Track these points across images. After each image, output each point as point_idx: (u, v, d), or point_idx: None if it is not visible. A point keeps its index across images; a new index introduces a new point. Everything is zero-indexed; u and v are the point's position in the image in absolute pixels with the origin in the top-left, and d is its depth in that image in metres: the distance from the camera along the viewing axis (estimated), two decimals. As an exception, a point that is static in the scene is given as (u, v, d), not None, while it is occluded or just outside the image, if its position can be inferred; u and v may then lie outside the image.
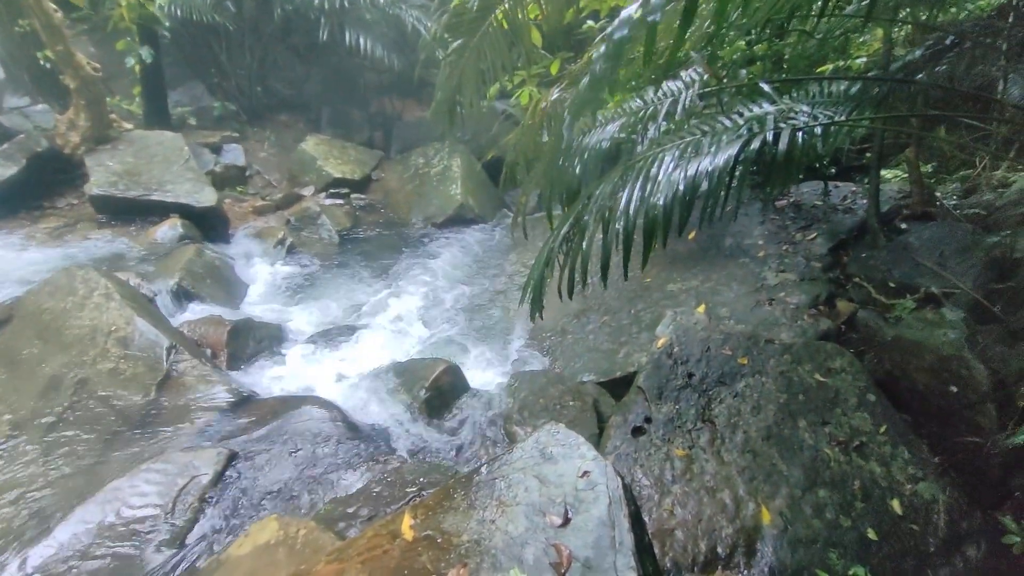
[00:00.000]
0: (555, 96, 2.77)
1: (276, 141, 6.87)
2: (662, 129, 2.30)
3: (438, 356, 3.52)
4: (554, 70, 4.26)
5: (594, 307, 4.00)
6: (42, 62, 5.00)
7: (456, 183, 6.07)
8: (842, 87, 2.36)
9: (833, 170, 4.18)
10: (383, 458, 2.72)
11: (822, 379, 2.52)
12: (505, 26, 2.70)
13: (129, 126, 5.11)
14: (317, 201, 5.80)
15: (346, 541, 1.52)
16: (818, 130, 1.89)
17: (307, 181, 6.19)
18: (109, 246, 4.35)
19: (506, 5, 2.34)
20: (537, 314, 2.24)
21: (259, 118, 7.15)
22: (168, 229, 4.54)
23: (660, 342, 2.92)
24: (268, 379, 3.51)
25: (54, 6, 4.18)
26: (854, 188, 4.02)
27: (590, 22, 3.98)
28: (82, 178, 4.66)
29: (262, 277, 4.77)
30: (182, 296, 4.01)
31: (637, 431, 2.51)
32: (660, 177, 1.67)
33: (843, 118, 2.03)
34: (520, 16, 2.44)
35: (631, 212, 1.68)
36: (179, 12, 5.59)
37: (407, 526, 1.35)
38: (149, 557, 2.22)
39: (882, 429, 2.32)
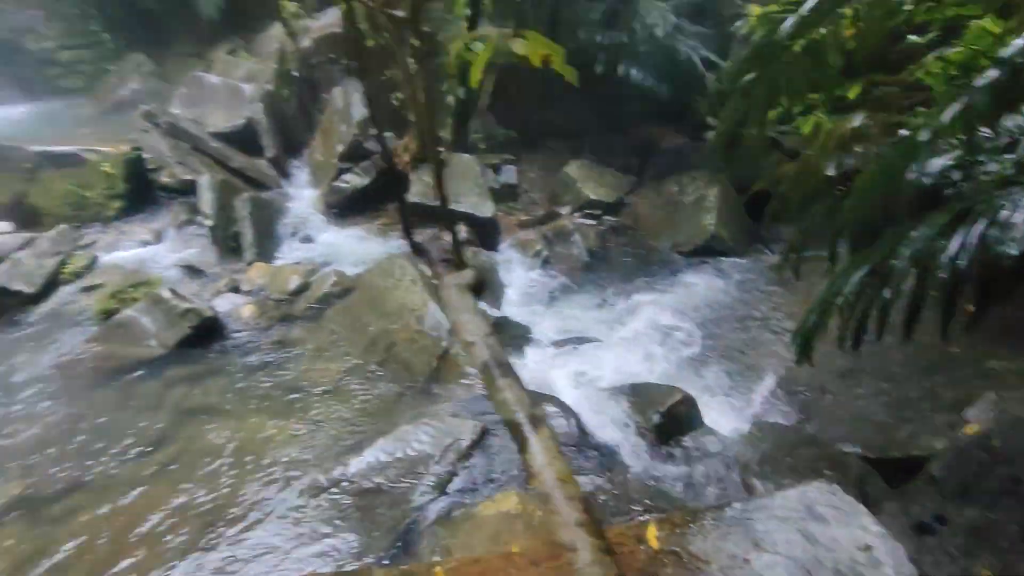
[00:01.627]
0: (858, 123, 2.49)
1: (544, 164, 7.69)
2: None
3: (674, 384, 3.47)
4: (852, 95, 3.78)
5: (868, 369, 3.41)
6: (394, 102, 6.66)
7: (710, 213, 5.86)
8: None
9: None
10: (610, 470, 2.83)
11: None
12: (802, 48, 2.54)
13: (441, 149, 6.42)
14: (572, 220, 6.30)
15: (587, 532, 1.65)
16: None
17: (566, 201, 6.77)
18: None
19: (823, 31, 2.21)
20: (804, 361, 2.05)
21: (533, 143, 8.12)
22: (456, 234, 5.53)
23: (970, 429, 2.34)
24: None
25: (411, 60, 5.56)
26: None
27: (913, 37, 3.41)
28: (406, 189, 6.02)
29: (519, 283, 5.41)
30: (459, 289, 4.84)
31: (922, 529, 2.06)
32: (1016, 222, 1.38)
33: None
34: (832, 38, 2.27)
35: (963, 261, 1.43)
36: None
37: (652, 535, 1.41)
38: (419, 495, 2.76)
39: None
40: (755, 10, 4.66)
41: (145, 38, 11.63)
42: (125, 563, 2.45)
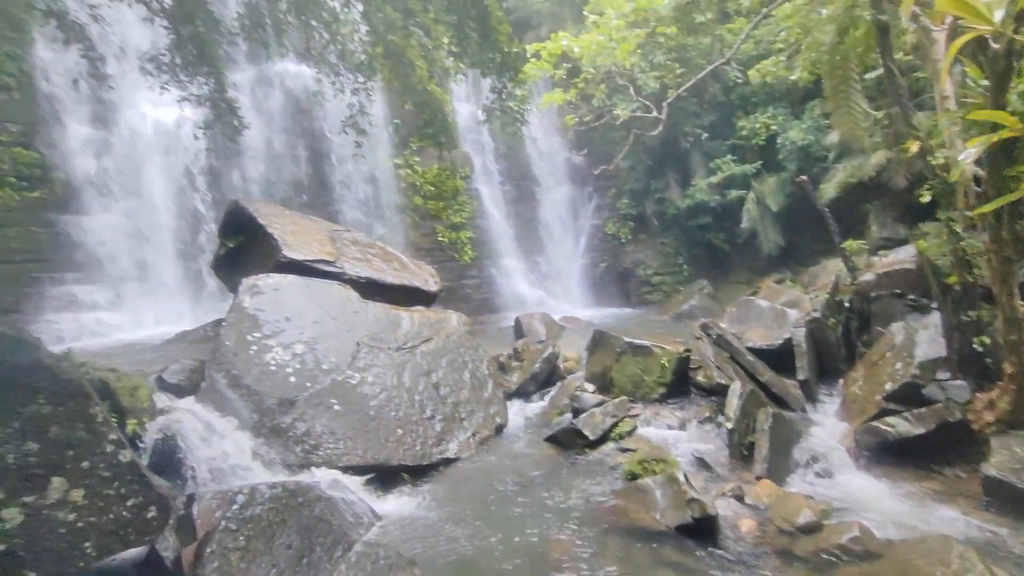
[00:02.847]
0: None
1: None
2: None
3: None
4: None
5: None
6: (975, 345, 5.42)
7: None
8: None
9: None
10: None
11: None
12: None
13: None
14: None
15: None
16: None
17: None
18: (987, 532, 3.97)
19: None
20: None
21: None
22: (1075, 546, 3.63)
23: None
24: None
25: (1022, 303, 4.48)
26: None
27: None
28: (980, 456, 4.56)
29: None
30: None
31: None
32: None
33: None
34: None
35: None
36: None
37: None
38: None
39: None
40: None
41: (710, 268, 14.63)
42: None
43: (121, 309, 9.44)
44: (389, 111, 12.04)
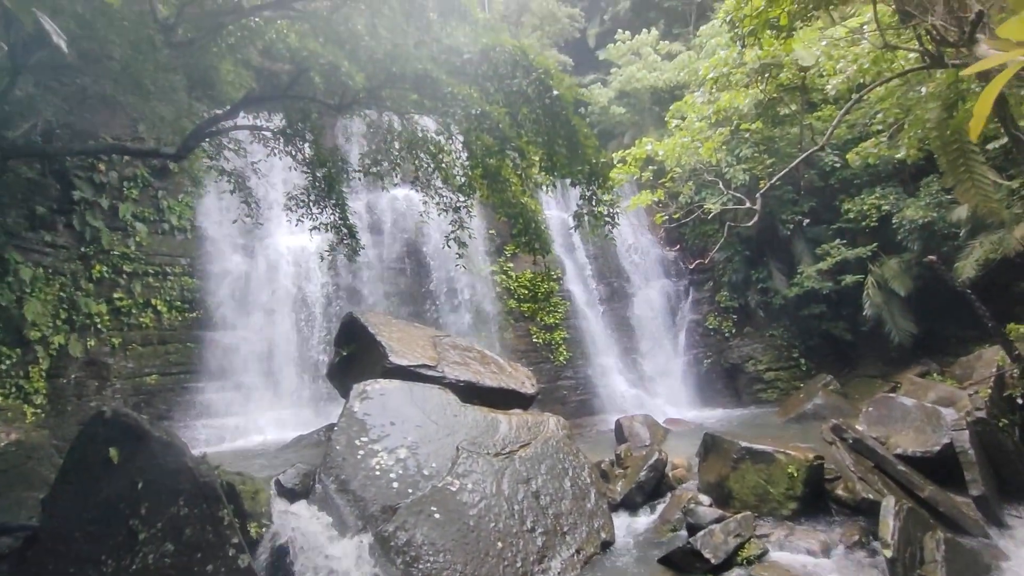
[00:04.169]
0: None
1: None
2: None
3: None
4: None
5: None
6: None
7: None
8: None
9: None
10: None
11: None
12: None
13: None
14: None
15: None
16: None
17: None
18: None
19: None
20: None
21: None
22: None
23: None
24: None
25: None
26: None
27: None
28: None
29: None
30: None
31: None
32: None
33: None
34: None
35: None
36: None
37: None
38: None
39: None
40: None
41: (832, 361, 13.16)
42: None
43: (250, 415, 10.35)
44: (485, 222, 13.01)
